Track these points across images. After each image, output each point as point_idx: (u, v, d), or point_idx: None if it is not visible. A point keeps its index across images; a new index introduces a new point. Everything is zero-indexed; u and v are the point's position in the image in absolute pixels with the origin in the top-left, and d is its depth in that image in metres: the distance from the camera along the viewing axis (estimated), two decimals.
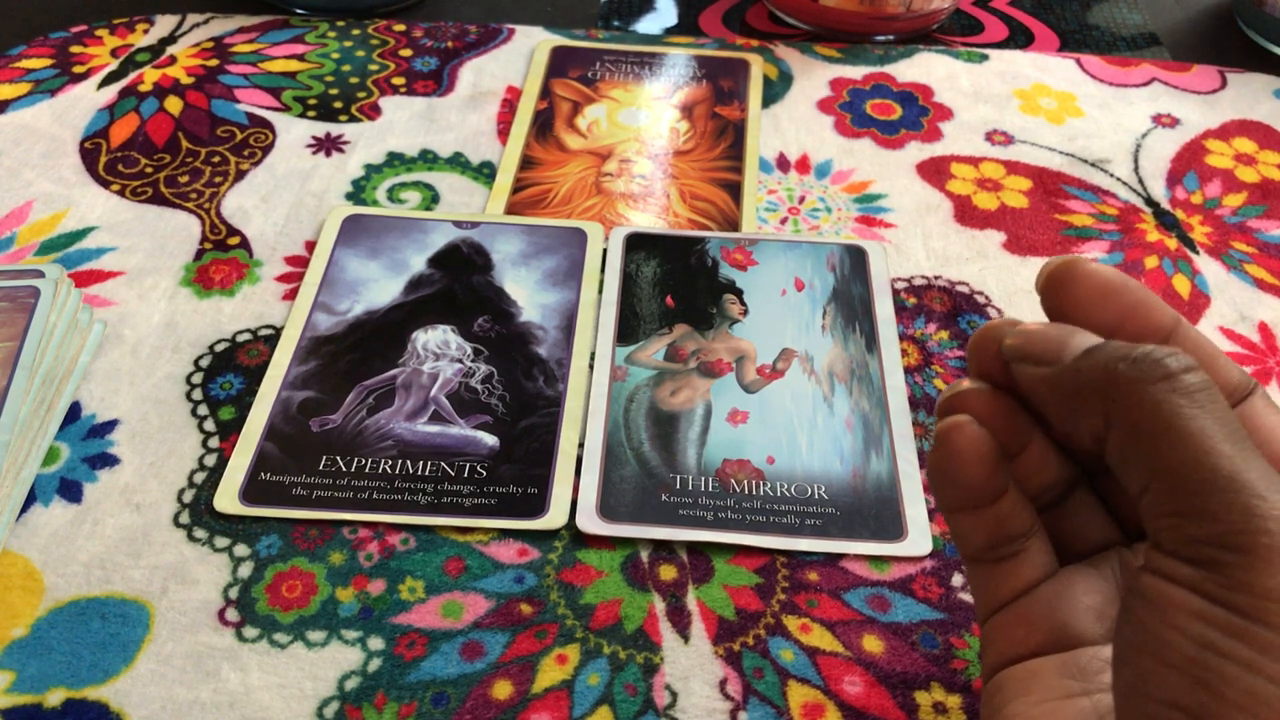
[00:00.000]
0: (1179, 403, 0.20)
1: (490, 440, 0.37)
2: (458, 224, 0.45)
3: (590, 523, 0.35)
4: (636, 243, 0.45)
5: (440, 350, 0.40)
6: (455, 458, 0.37)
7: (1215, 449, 0.19)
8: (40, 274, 0.40)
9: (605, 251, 0.44)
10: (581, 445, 0.37)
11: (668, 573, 0.34)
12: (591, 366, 0.40)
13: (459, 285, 0.43)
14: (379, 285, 0.43)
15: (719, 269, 0.44)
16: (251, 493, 0.35)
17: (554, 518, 0.35)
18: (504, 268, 0.44)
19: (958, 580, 0.34)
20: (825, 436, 0.38)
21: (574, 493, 0.36)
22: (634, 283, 0.43)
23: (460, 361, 0.40)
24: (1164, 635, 0.19)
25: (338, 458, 0.36)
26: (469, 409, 0.38)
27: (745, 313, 0.42)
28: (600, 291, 0.43)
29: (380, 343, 0.40)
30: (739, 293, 0.43)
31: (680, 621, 0.33)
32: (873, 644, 0.32)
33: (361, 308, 0.42)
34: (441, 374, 0.39)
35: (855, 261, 0.44)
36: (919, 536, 0.35)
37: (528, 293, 0.43)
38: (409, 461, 0.36)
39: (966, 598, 0.33)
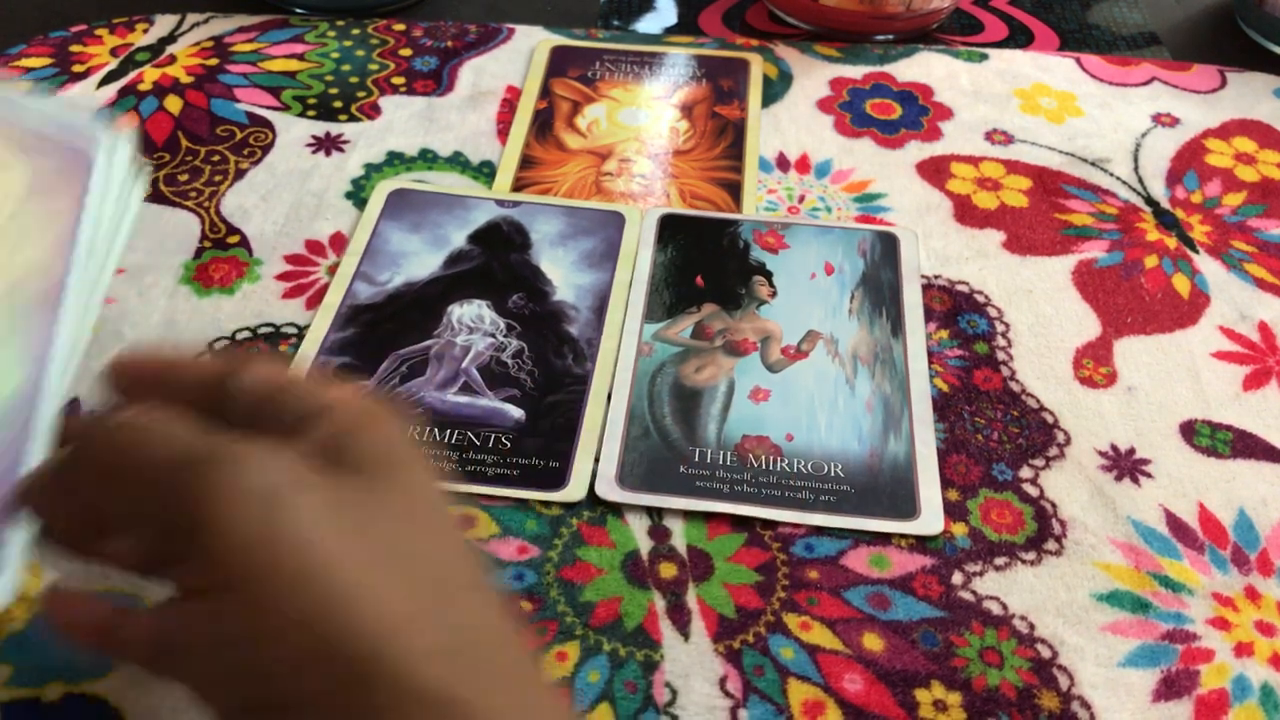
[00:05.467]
0: None
1: (516, 413, 0.38)
2: (500, 202, 0.46)
3: (609, 490, 0.36)
4: (670, 223, 0.46)
5: (474, 324, 0.41)
6: (481, 428, 0.38)
7: None
8: (91, 122, 0.31)
9: (640, 230, 0.45)
10: (605, 417, 0.38)
11: (668, 570, 0.34)
12: (620, 341, 0.41)
13: (497, 262, 0.44)
14: (419, 258, 0.44)
15: (750, 251, 0.44)
16: None
17: (573, 490, 0.36)
18: (542, 247, 0.44)
19: (958, 579, 0.34)
20: (845, 417, 0.38)
21: (594, 467, 0.36)
22: (665, 261, 0.44)
23: (493, 336, 0.41)
24: None
25: None
26: (498, 382, 0.39)
27: (774, 294, 0.43)
28: (633, 272, 0.43)
29: (417, 314, 0.41)
30: (769, 275, 0.43)
31: (680, 619, 0.33)
32: (873, 642, 0.32)
33: (401, 279, 0.43)
34: (474, 347, 0.40)
35: (886, 248, 0.45)
36: (931, 516, 0.35)
37: (563, 273, 0.43)
38: (436, 429, 0.37)
39: (967, 596, 0.33)
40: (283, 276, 0.43)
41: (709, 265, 0.44)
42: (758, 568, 0.34)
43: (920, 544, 0.35)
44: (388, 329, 0.41)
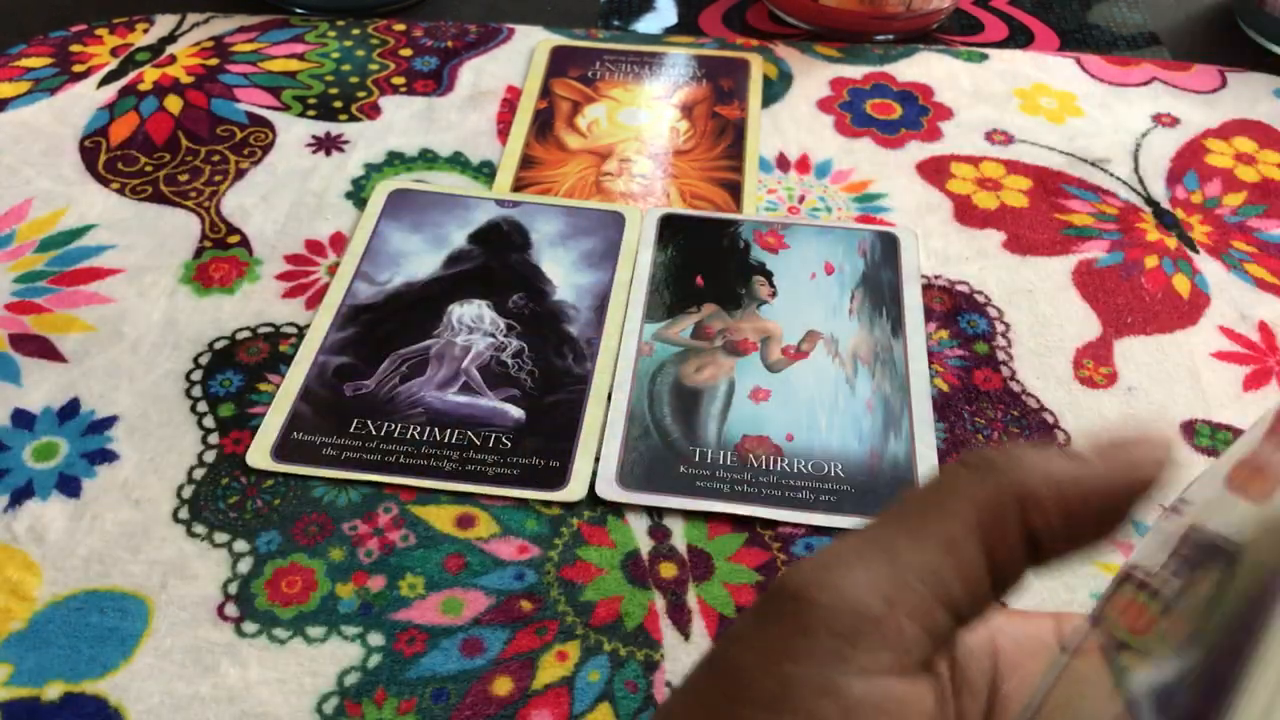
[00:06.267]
0: None
1: (516, 413, 0.38)
2: (500, 202, 0.46)
3: (610, 490, 0.36)
4: (670, 223, 0.46)
5: (474, 324, 0.41)
6: (481, 428, 0.38)
7: None
8: None
9: (640, 230, 0.45)
10: (605, 417, 0.38)
11: (668, 570, 0.34)
12: (620, 341, 0.41)
13: (497, 262, 0.44)
14: (419, 258, 0.44)
15: (750, 251, 0.44)
16: (283, 450, 0.36)
17: (573, 490, 0.36)
18: (542, 247, 0.45)
19: None
20: (845, 417, 0.38)
21: (594, 466, 0.36)
22: (665, 261, 0.44)
23: (493, 336, 0.41)
24: None
25: (368, 421, 0.37)
26: (498, 382, 0.39)
27: (774, 294, 0.43)
28: (633, 272, 0.43)
29: (417, 314, 0.42)
30: (769, 275, 0.43)
31: (681, 619, 0.33)
32: None
33: (401, 279, 0.43)
34: (474, 347, 0.40)
35: (887, 248, 0.45)
36: None
37: (563, 272, 0.44)
38: (436, 429, 0.37)
39: None
40: (283, 276, 0.43)
41: (709, 265, 0.44)
42: (758, 568, 0.34)
43: None
44: (388, 329, 0.41)
